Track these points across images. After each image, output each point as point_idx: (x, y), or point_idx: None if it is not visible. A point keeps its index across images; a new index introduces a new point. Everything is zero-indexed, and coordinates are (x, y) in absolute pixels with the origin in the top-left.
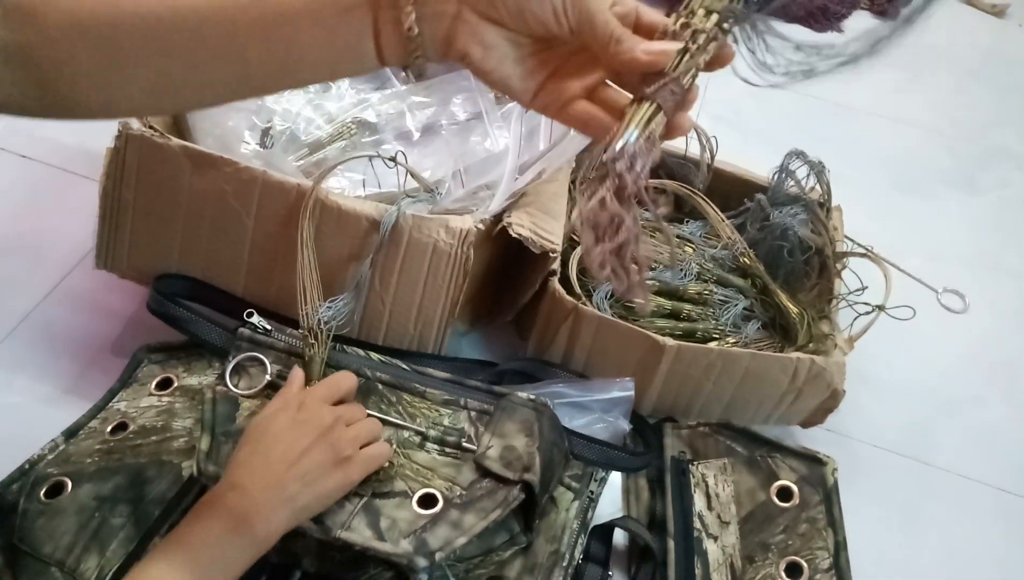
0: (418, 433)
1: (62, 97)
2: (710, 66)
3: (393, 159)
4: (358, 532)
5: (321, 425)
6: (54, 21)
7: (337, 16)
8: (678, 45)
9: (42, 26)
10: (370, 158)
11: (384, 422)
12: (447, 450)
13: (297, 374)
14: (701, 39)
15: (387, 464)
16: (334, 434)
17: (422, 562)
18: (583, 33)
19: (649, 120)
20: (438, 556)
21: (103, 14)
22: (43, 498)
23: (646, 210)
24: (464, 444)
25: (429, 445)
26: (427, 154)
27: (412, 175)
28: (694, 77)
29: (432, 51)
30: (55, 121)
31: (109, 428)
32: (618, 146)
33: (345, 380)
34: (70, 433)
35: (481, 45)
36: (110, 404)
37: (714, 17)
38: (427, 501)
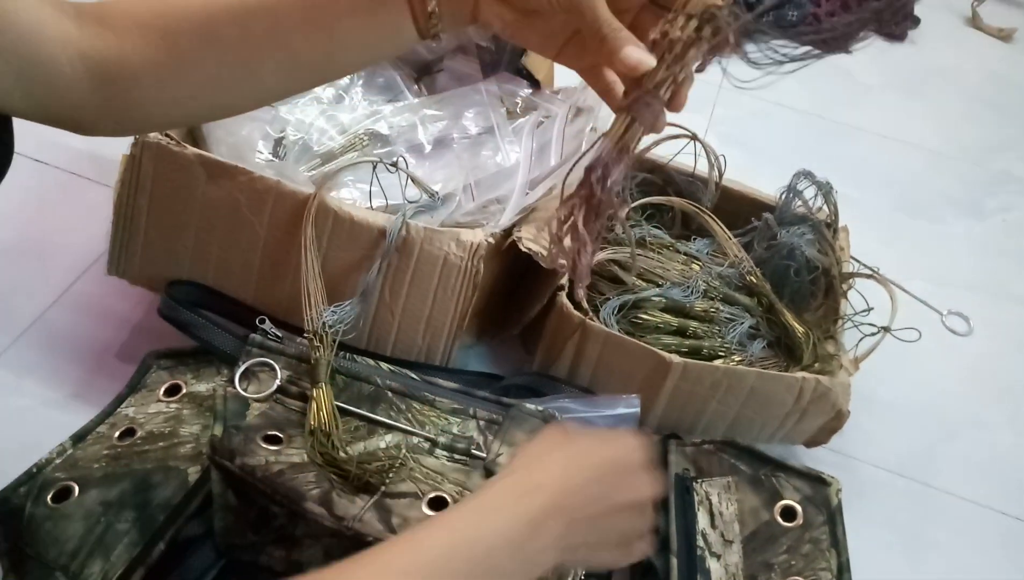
0: (427, 439)
1: (127, 102)
2: (715, 49)
3: (395, 164)
4: (370, 526)
5: (645, 515)
6: (119, 22)
7: (374, 4)
8: (653, 61)
9: (111, 29)
10: (374, 165)
11: (393, 428)
12: (456, 457)
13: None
14: (679, 47)
15: (398, 465)
16: (646, 516)
17: None
18: (573, 19)
19: (624, 132)
20: None
21: (159, 13)
22: (50, 502)
23: (612, 219)
24: (473, 451)
25: (439, 451)
26: (438, 167)
27: (413, 180)
28: (675, 83)
29: (455, 24)
30: (115, 134)
31: (117, 434)
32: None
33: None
34: (78, 438)
35: (501, 20)
36: (118, 409)
37: (693, 23)
38: (437, 504)
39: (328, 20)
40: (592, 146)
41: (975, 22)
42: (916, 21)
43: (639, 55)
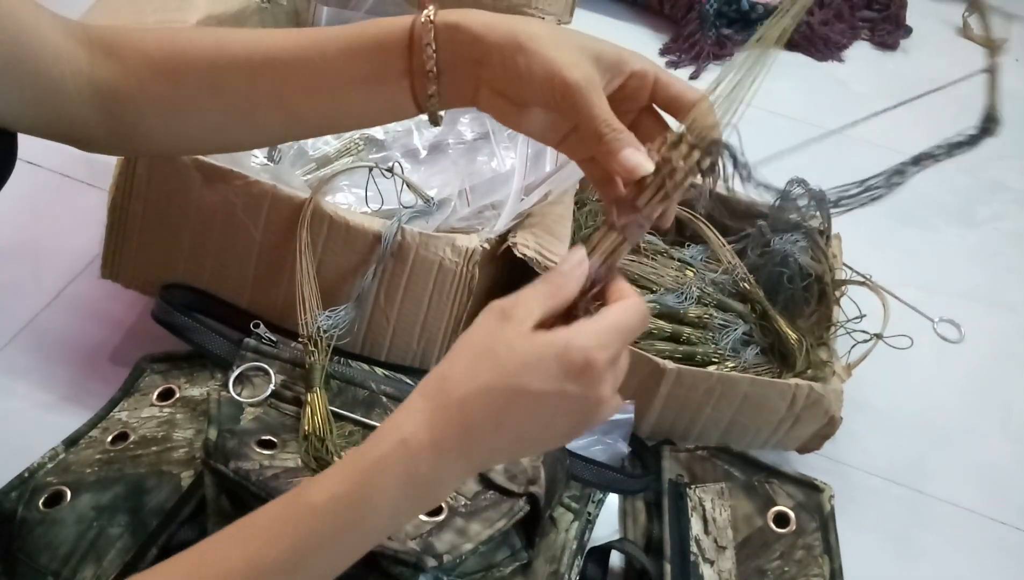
0: None
1: (132, 129)
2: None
3: (390, 169)
4: None
5: (598, 413)
6: (129, 55)
7: (376, 78)
8: (651, 166)
9: (120, 60)
10: (370, 169)
11: None
12: None
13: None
14: (679, 175)
15: None
16: (600, 412)
17: (431, 561)
18: (571, 120)
19: (614, 250)
20: (445, 558)
21: (169, 54)
22: (42, 507)
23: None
24: None
25: None
26: (434, 173)
27: (408, 185)
28: (667, 203)
29: (456, 104)
30: (119, 155)
31: (110, 438)
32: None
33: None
34: (70, 442)
35: (500, 110)
36: (111, 414)
37: (695, 155)
38: (432, 509)
39: (332, 88)
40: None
41: (966, 32)
42: (908, 31)
43: (637, 159)
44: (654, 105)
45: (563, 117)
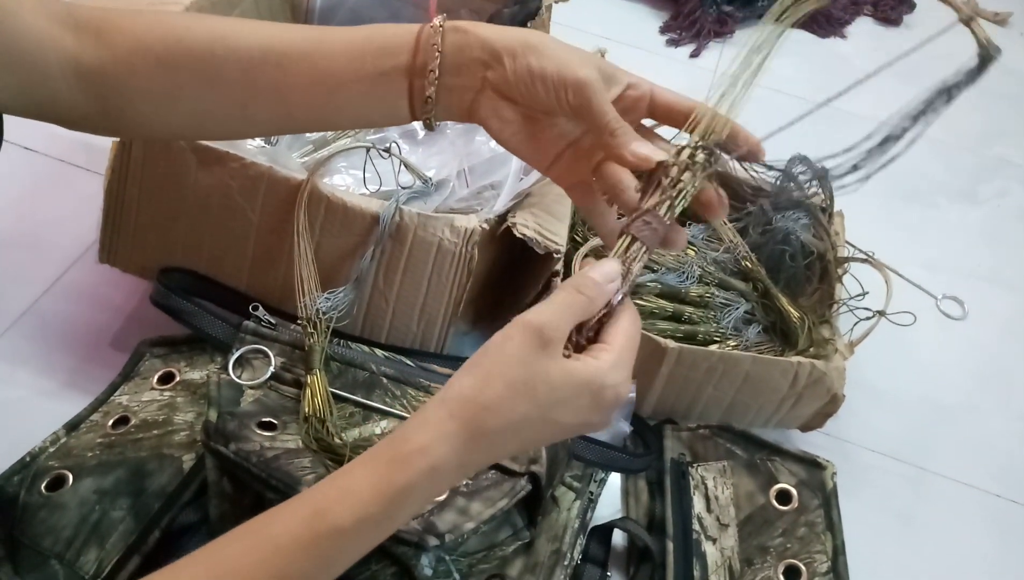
0: None
1: (120, 113)
2: (705, 211)
3: (388, 150)
4: None
5: (609, 416)
6: (118, 40)
7: (377, 76)
8: (664, 155)
9: (108, 44)
10: (367, 150)
11: (388, 414)
12: None
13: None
14: (673, 172)
15: None
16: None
17: (432, 540)
18: (581, 119)
19: (626, 251)
20: (447, 538)
21: (162, 40)
22: (44, 491)
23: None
24: None
25: None
26: (432, 153)
27: (405, 165)
28: (675, 209)
29: (451, 116)
30: (107, 136)
31: (111, 422)
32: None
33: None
34: (71, 426)
35: (499, 119)
36: (112, 398)
37: (686, 152)
38: None
39: (332, 85)
40: None
41: (970, 6)
42: (911, 5)
43: (648, 148)
44: (643, 123)
45: (573, 114)
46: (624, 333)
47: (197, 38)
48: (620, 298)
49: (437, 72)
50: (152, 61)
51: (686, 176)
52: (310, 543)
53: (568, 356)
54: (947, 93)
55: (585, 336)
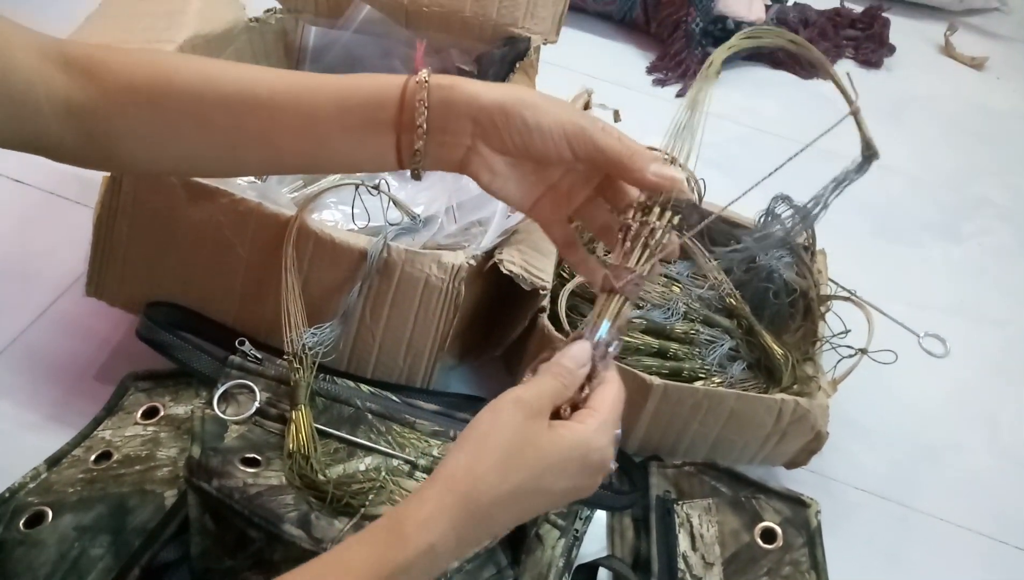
0: (407, 462)
1: (109, 151)
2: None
3: (376, 187)
4: None
5: (596, 480)
6: (108, 78)
7: (365, 126)
8: (681, 174)
9: (99, 83)
10: (356, 187)
11: (373, 450)
12: None
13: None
14: (659, 234)
15: (378, 487)
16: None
17: None
18: (594, 161)
19: (619, 312)
20: None
21: (151, 81)
22: (22, 528)
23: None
24: None
25: (418, 474)
26: (420, 189)
27: (394, 202)
28: (654, 259)
29: (440, 168)
30: (97, 170)
31: (93, 457)
32: (595, 338)
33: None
34: (53, 461)
35: (490, 171)
36: (95, 432)
37: (668, 216)
38: None
39: (320, 134)
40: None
41: (948, 51)
42: (892, 49)
43: (667, 169)
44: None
45: (575, 160)
46: (610, 398)
47: (186, 80)
48: (608, 358)
49: (425, 127)
50: (141, 102)
51: (659, 227)
52: None
53: (553, 428)
54: (839, 185)
55: (568, 406)
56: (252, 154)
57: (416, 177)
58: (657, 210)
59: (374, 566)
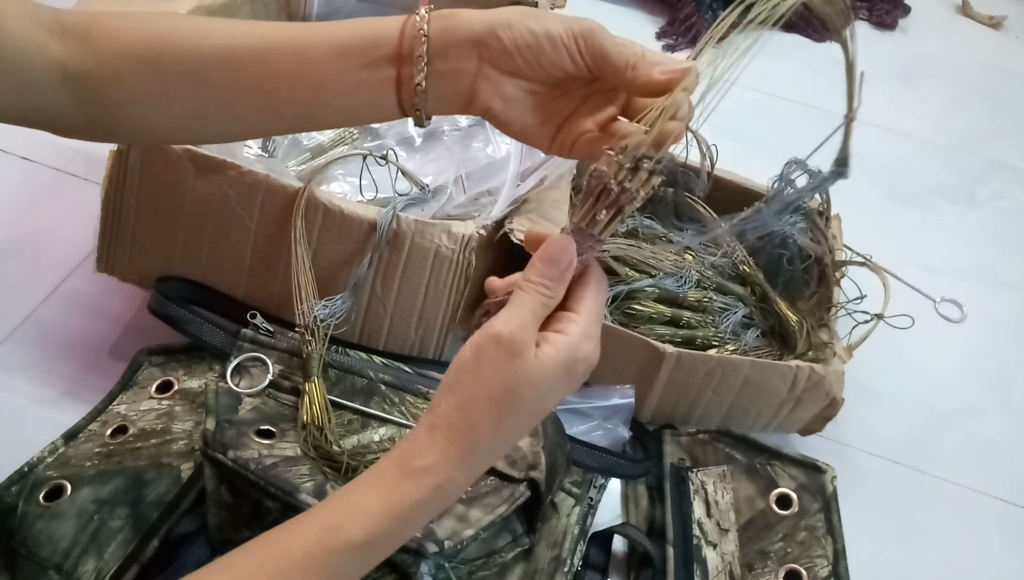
0: None
1: (109, 118)
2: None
3: (385, 157)
4: None
5: (576, 386)
6: (104, 44)
7: (363, 67)
8: (692, 63)
9: (95, 49)
10: (364, 158)
11: (387, 421)
12: None
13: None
14: (636, 202)
15: None
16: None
17: (432, 547)
18: (600, 67)
19: (596, 202)
20: (447, 545)
21: (147, 42)
22: (42, 501)
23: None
24: None
25: None
26: (429, 160)
27: (402, 172)
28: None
29: (447, 107)
30: (97, 142)
31: (109, 431)
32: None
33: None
34: (70, 436)
35: (502, 99)
36: (110, 407)
37: (651, 179)
38: None
39: (316, 78)
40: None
41: (965, 10)
42: (907, 10)
43: (677, 63)
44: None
45: (586, 65)
46: (591, 299)
47: (182, 38)
48: (589, 253)
49: (426, 57)
50: (138, 64)
51: (638, 193)
52: (323, 559)
53: (538, 344)
54: (815, 189)
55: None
56: (250, 110)
57: (419, 123)
58: (643, 176)
59: (386, 503)
